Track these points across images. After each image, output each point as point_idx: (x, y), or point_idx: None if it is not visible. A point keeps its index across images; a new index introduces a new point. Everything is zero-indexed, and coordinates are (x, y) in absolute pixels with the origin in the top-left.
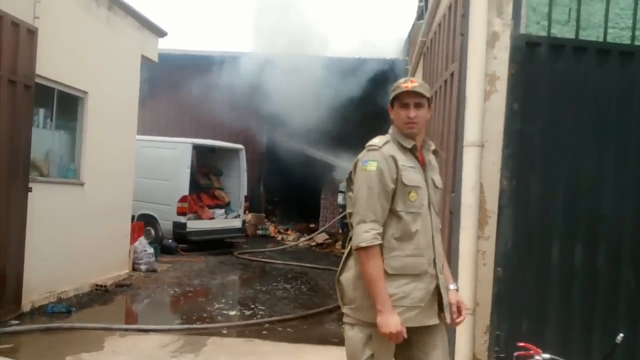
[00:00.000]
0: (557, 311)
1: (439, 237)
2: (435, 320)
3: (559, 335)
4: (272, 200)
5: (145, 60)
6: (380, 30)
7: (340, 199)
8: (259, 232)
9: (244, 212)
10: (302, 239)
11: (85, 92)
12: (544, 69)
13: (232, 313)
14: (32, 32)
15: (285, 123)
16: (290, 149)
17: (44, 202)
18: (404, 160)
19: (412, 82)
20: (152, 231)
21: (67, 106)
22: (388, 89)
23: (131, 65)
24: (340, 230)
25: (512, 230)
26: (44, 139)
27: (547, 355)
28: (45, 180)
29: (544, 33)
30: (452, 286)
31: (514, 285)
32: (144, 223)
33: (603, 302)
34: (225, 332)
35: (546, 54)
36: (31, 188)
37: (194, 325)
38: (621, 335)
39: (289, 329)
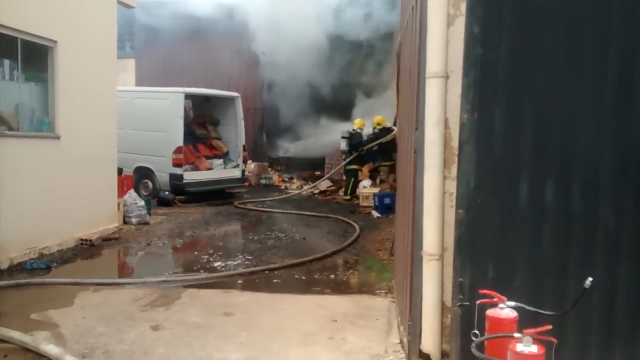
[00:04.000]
0: (527, 256)
1: None
2: None
3: (529, 282)
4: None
5: (123, 5)
6: None
7: (343, 145)
8: (263, 181)
9: (243, 162)
10: (305, 187)
11: (54, 41)
12: None
13: (217, 264)
14: None
15: (286, 70)
16: (292, 96)
17: (15, 157)
18: None
19: None
20: (150, 183)
21: (35, 57)
22: None
23: (106, 11)
24: (344, 177)
25: (475, 169)
26: (11, 92)
27: (511, 303)
28: (15, 135)
29: None
30: None
31: (478, 229)
32: (133, 176)
33: (578, 245)
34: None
35: None
36: None
37: (169, 278)
38: (590, 279)
39: (275, 280)
